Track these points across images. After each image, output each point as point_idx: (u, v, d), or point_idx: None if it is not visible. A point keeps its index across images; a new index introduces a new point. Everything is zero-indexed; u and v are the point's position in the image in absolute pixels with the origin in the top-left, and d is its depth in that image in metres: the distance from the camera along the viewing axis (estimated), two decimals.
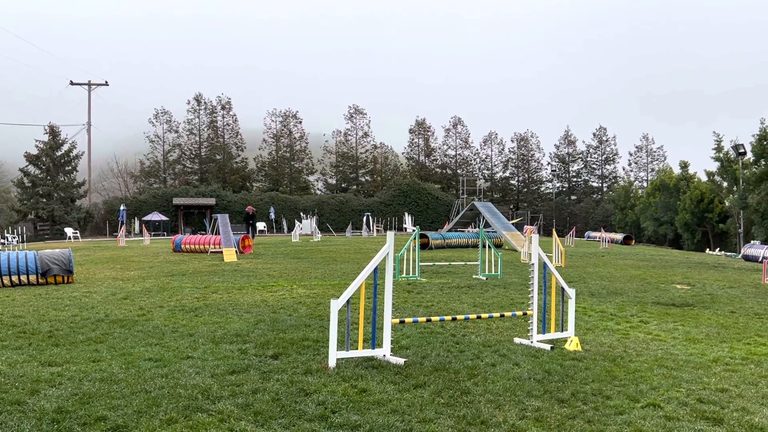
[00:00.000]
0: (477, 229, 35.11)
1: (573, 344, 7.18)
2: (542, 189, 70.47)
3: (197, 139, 63.14)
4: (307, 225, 46.35)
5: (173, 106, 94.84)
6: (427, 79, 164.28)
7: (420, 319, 7.44)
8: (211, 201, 52.88)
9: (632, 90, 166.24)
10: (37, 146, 48.35)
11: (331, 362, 6.15)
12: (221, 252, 21.13)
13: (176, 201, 52.52)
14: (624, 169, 69.63)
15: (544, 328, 7.40)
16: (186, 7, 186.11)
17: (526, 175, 69.80)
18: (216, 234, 24.49)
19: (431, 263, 17.93)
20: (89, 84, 54.21)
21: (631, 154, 68.70)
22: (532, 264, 7.35)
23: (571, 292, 7.62)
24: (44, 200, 47.23)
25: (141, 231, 41.79)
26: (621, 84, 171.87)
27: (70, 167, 49.59)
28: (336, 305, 6.16)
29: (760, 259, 22.40)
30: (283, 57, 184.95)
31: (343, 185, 65.60)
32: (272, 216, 53.59)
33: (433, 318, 7.73)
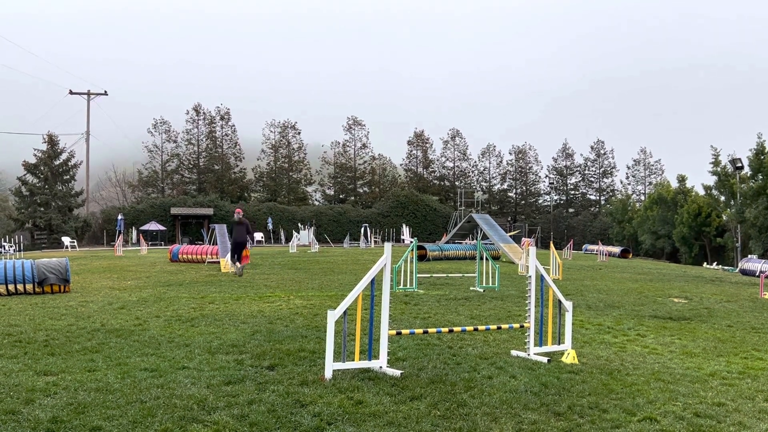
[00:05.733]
0: (474, 241, 35.12)
1: (570, 357, 7.17)
2: (540, 201, 70.53)
3: (196, 149, 63.17)
4: (304, 236, 46.34)
5: (172, 116, 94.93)
6: (426, 92, 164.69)
7: (417, 330, 7.43)
8: (209, 211, 52.84)
9: (631, 103, 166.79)
10: (35, 155, 48.36)
11: (328, 373, 6.13)
12: (218, 262, 21.11)
13: (174, 211, 52.48)
14: (622, 183, 69.87)
15: (541, 340, 7.39)
16: (187, 16, 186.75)
17: (524, 188, 69.89)
18: (213, 244, 24.47)
19: (429, 275, 17.91)
20: (88, 93, 54.34)
21: (628, 168, 68.90)
22: (530, 276, 7.35)
23: (568, 304, 7.62)
24: (42, 209, 47.15)
25: (138, 241, 41.72)
26: (620, 98, 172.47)
27: (68, 176, 49.57)
28: (333, 316, 6.15)
29: (757, 273, 22.42)
30: (285, 68, 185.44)
31: (341, 196, 65.61)
32: (270, 226, 53.57)
33: (429, 330, 7.71)
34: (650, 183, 66.44)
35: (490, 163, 69.89)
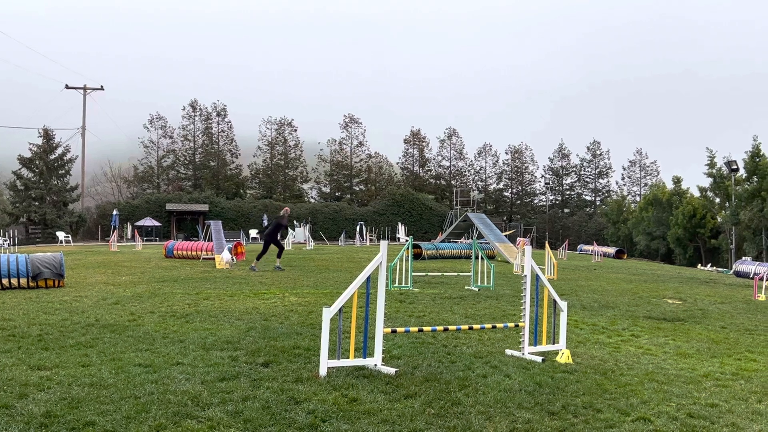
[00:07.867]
0: (470, 240, 35.14)
1: (564, 357, 7.18)
2: (535, 201, 70.64)
3: (192, 145, 63.10)
4: (300, 233, 46.28)
5: (168, 111, 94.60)
6: (424, 92, 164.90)
7: (412, 329, 7.44)
8: (204, 207, 52.77)
9: (626, 104, 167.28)
10: (30, 149, 48.17)
11: (322, 371, 6.13)
12: (213, 258, 21.07)
13: (169, 207, 52.40)
14: (617, 183, 70.02)
15: (535, 340, 7.40)
16: (185, 12, 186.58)
17: (520, 188, 69.98)
18: (208, 240, 24.42)
19: (424, 273, 17.92)
20: (84, 88, 54.16)
21: (624, 169, 69.07)
22: (525, 276, 7.36)
23: (563, 304, 7.63)
24: (36, 203, 47.00)
25: (133, 236, 41.62)
26: (618, 99, 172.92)
27: (63, 171, 49.41)
28: (328, 314, 6.15)
29: (751, 275, 22.49)
30: (282, 64, 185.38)
31: (337, 194, 65.58)
32: (265, 224, 53.50)
33: (424, 328, 7.72)
34: (646, 184, 66.65)
35: (486, 162, 69.99)
